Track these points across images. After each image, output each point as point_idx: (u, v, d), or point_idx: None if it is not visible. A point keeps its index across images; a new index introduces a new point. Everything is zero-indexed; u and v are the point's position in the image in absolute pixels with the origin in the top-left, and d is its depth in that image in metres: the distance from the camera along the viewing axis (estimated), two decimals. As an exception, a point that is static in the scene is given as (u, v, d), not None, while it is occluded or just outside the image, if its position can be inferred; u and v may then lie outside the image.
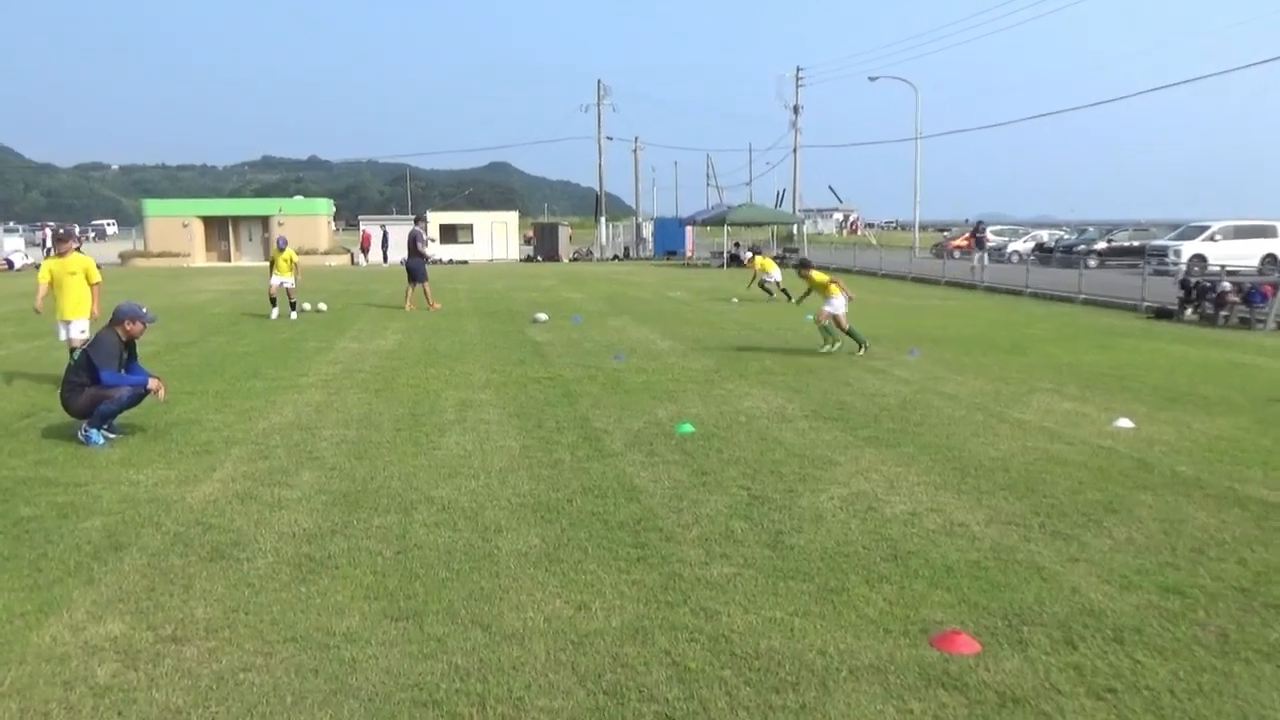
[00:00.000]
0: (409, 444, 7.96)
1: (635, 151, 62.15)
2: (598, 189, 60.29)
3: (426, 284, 21.58)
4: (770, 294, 20.55)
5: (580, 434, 8.32)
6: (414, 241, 21.37)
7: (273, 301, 18.94)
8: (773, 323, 18.06)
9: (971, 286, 29.29)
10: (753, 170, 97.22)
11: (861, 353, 13.12)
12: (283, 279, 19.01)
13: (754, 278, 23.27)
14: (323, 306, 20.63)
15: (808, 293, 14.79)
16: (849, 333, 13.33)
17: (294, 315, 18.71)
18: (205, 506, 6.29)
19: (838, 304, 13.32)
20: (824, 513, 6.15)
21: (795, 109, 59.87)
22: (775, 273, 22.48)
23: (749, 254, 22.45)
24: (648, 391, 10.45)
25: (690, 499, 6.43)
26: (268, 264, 19.37)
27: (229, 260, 46.27)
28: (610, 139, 59.80)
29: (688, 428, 8.48)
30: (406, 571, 5.19)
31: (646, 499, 6.42)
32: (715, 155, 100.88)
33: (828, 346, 13.34)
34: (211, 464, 7.33)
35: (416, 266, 21.28)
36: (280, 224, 48.59)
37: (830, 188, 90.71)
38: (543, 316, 18.30)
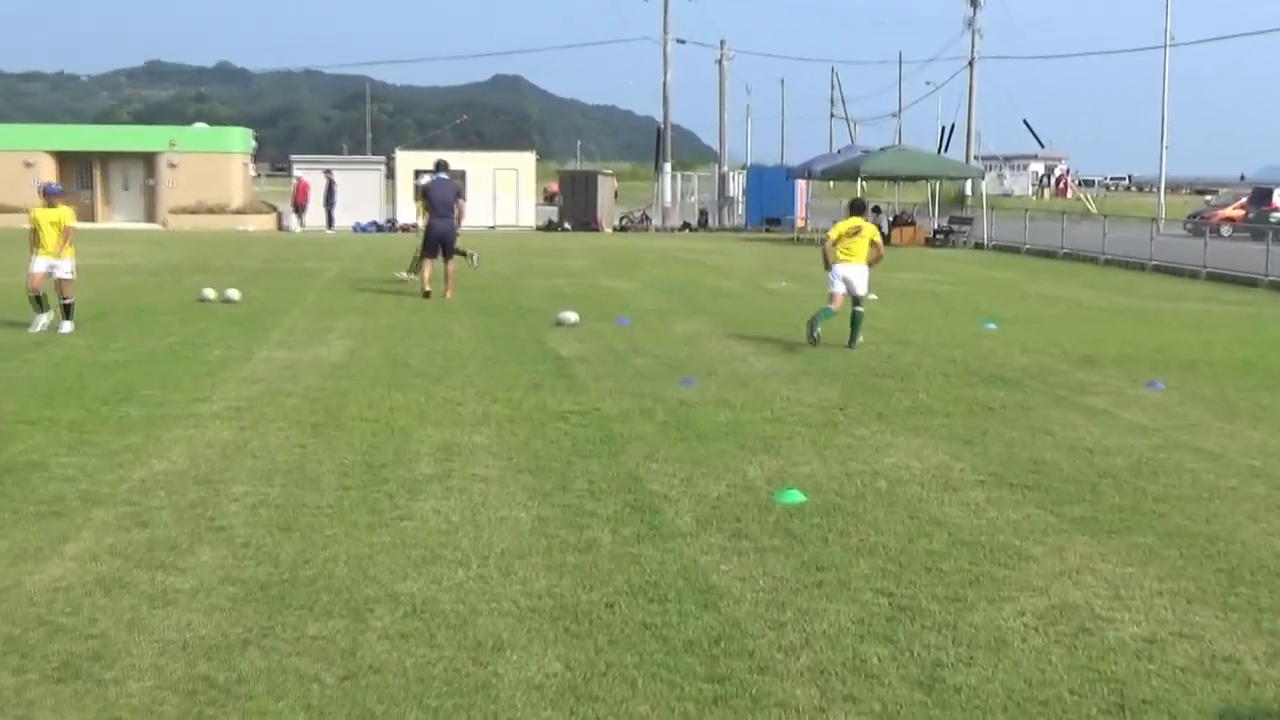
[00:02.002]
0: (363, 510, 8.06)
1: (720, 62, 62.22)
2: (660, 120, 60.60)
3: (451, 264, 21.67)
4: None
5: (627, 501, 8.34)
6: (451, 195, 21.54)
7: (38, 302, 16.81)
8: (935, 333, 17.98)
9: (1251, 282, 28.94)
10: (902, 95, 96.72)
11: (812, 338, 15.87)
12: (51, 262, 16.79)
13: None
14: (234, 295, 20.98)
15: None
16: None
17: (66, 327, 16.54)
18: (51, 597, 6.40)
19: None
20: (1008, 635, 6.09)
21: (973, 1, 59.73)
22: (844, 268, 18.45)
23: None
24: (733, 437, 10.46)
25: (798, 608, 6.41)
26: (29, 230, 17.07)
27: (94, 219, 47.30)
28: (682, 42, 60.24)
29: (796, 496, 8.47)
30: (357, 708, 5.24)
31: (729, 606, 6.41)
32: (844, 71, 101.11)
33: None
34: (62, 531, 7.48)
35: (448, 233, 21.44)
36: (172, 165, 49.74)
37: (1026, 124, 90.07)
38: (571, 317, 18.43)
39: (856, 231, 16.21)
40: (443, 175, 21.91)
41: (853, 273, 16.16)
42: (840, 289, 16.18)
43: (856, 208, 17.09)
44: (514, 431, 10.55)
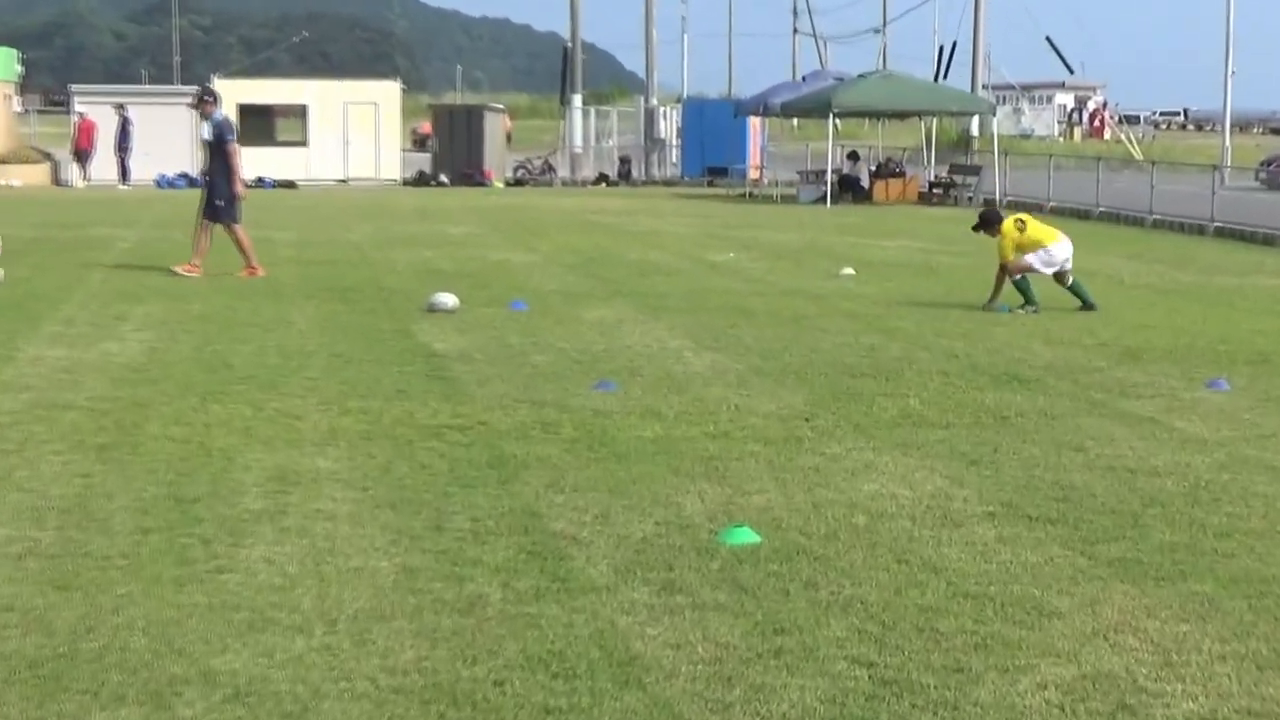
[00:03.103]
0: (168, 560, 7.98)
1: (646, -39, 62.38)
2: (568, 37, 60.63)
3: (239, 227, 22.05)
4: (1029, 303, 18.68)
5: (522, 545, 8.33)
6: (219, 141, 21.89)
7: None
8: (930, 319, 18.10)
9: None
10: (887, 6, 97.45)
11: (1028, 310, 18.66)
12: None
13: (1005, 270, 19.19)
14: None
15: (1002, 279, 19.11)
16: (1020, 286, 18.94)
17: None
18: None
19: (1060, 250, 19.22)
20: (1025, 716, 6.13)
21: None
22: (1057, 249, 19.28)
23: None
24: (664, 459, 10.48)
25: (749, 683, 6.42)
26: None
27: None
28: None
29: (747, 536, 8.48)
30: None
31: (658, 683, 6.42)
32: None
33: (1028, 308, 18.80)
34: None
35: (220, 190, 21.95)
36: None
37: (1050, 42, 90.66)
38: (449, 301, 18.41)
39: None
40: (219, 113, 22.56)
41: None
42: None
43: (992, 218, 20.03)
44: (371, 453, 10.50)
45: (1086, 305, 19.06)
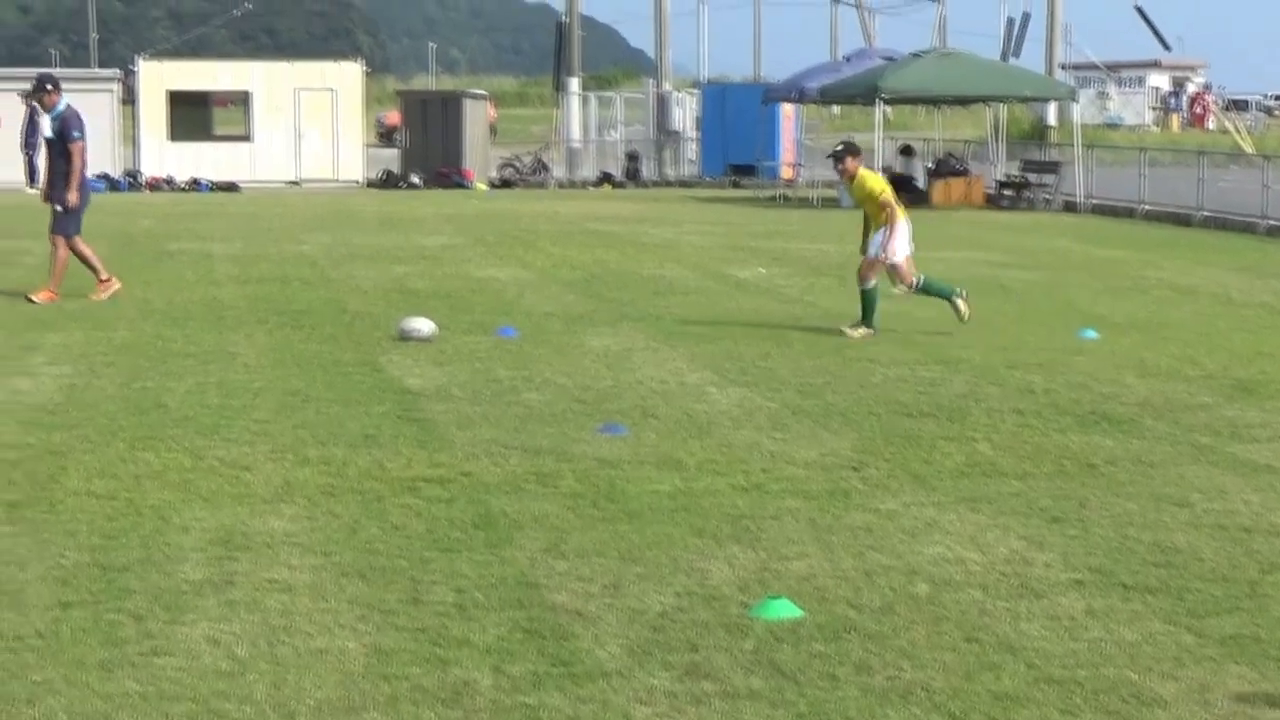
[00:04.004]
0: (93, 640, 7.97)
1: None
2: (564, 9, 60.81)
3: (79, 240, 22.04)
4: (867, 319, 19.18)
5: (516, 622, 8.33)
6: (62, 138, 22.02)
7: None
8: (1001, 347, 18.07)
9: None
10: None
11: (960, 311, 18.97)
12: None
13: (890, 210, 19.83)
14: None
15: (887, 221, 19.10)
16: (925, 289, 19.00)
17: None
18: None
19: (900, 240, 18.80)
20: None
21: None
22: (906, 227, 19.76)
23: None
24: (685, 517, 10.48)
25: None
26: None
27: None
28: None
29: (786, 609, 8.48)
30: None
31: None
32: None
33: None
34: None
35: (60, 196, 21.92)
36: None
37: (1141, 12, 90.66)
38: (424, 327, 18.40)
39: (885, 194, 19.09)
40: (61, 106, 22.31)
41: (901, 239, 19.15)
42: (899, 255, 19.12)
43: (847, 152, 19.60)
44: (334, 511, 10.50)
45: (867, 319, 19.00)
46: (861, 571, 9.29)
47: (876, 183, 19.36)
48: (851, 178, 19.27)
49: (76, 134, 21.81)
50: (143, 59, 56.14)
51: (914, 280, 19.14)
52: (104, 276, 21.91)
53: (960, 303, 18.96)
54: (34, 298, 21.36)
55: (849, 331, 18.66)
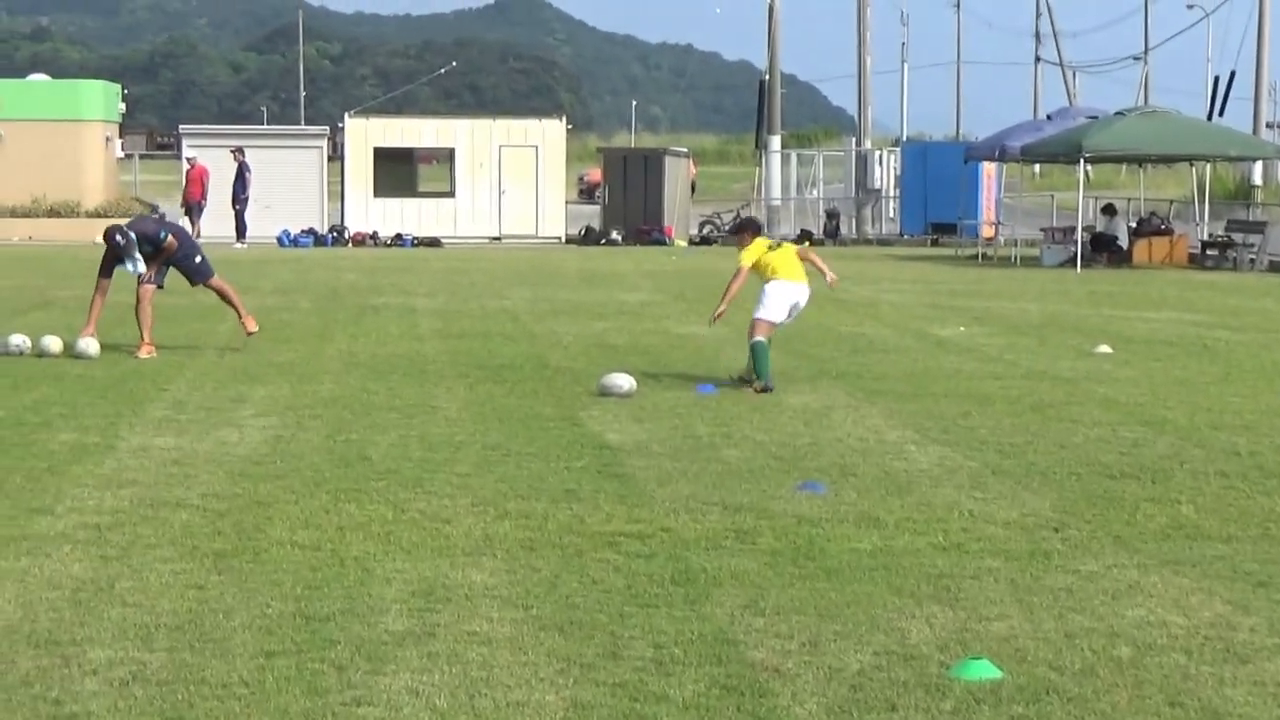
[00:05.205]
0: (296, 690, 8.03)
1: (858, -22, 62.64)
2: (764, 68, 60.90)
3: (224, 283, 22.72)
4: (760, 376, 19.18)
5: (714, 679, 8.30)
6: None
7: None
8: (1205, 409, 17.84)
9: None
10: (1150, 30, 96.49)
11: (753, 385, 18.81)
12: None
13: (738, 277, 20.71)
14: (88, 348, 21.24)
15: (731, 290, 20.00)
16: (752, 353, 19.07)
17: None
18: None
19: (771, 301, 19.44)
20: None
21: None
22: (798, 290, 20.38)
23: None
24: (885, 576, 10.42)
25: None
26: None
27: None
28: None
29: (986, 670, 8.40)
30: None
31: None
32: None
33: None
34: None
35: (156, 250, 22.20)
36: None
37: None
38: (625, 383, 18.47)
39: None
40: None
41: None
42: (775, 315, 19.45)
43: (748, 225, 21.10)
44: (534, 565, 10.54)
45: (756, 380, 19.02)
46: (1062, 633, 9.19)
47: (746, 252, 19.71)
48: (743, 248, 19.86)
49: None
50: (350, 116, 56.81)
51: (758, 340, 18.98)
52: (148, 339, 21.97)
53: (756, 384, 18.72)
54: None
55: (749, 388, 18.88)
